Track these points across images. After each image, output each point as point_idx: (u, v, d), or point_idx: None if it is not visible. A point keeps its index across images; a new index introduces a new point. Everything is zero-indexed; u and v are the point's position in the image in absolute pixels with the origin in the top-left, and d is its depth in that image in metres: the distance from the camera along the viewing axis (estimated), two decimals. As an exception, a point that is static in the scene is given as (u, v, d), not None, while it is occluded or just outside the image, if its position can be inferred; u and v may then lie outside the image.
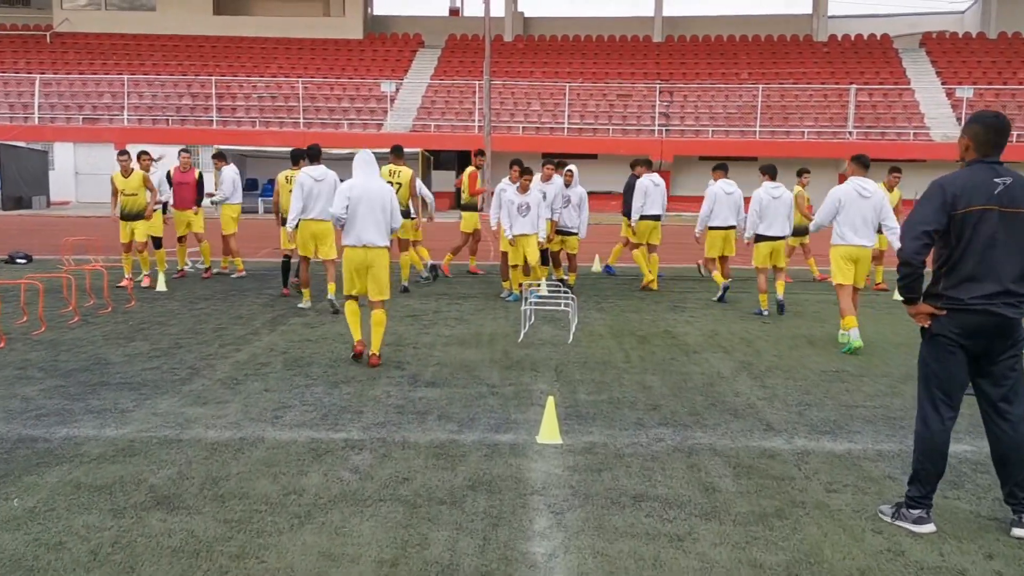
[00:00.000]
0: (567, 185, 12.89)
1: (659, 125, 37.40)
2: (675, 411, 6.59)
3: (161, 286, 12.66)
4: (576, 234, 12.95)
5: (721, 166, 12.96)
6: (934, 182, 4.45)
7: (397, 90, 39.82)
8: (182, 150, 14.67)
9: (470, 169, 15.00)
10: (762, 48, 43.14)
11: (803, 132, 36.28)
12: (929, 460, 4.43)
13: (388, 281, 7.99)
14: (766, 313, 11.09)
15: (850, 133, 35.76)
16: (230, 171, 14.55)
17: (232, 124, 37.73)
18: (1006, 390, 4.38)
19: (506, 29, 45.94)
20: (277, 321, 10.21)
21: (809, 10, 46.25)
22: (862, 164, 9.04)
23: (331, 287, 10.70)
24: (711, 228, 12.46)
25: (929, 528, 4.40)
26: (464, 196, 15.13)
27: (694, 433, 6.05)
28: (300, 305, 11.20)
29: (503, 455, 5.53)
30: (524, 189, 11.78)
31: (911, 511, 4.45)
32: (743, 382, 7.51)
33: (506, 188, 12.05)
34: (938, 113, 36.57)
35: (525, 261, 11.90)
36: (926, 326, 4.48)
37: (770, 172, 11.56)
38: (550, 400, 5.91)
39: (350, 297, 8.05)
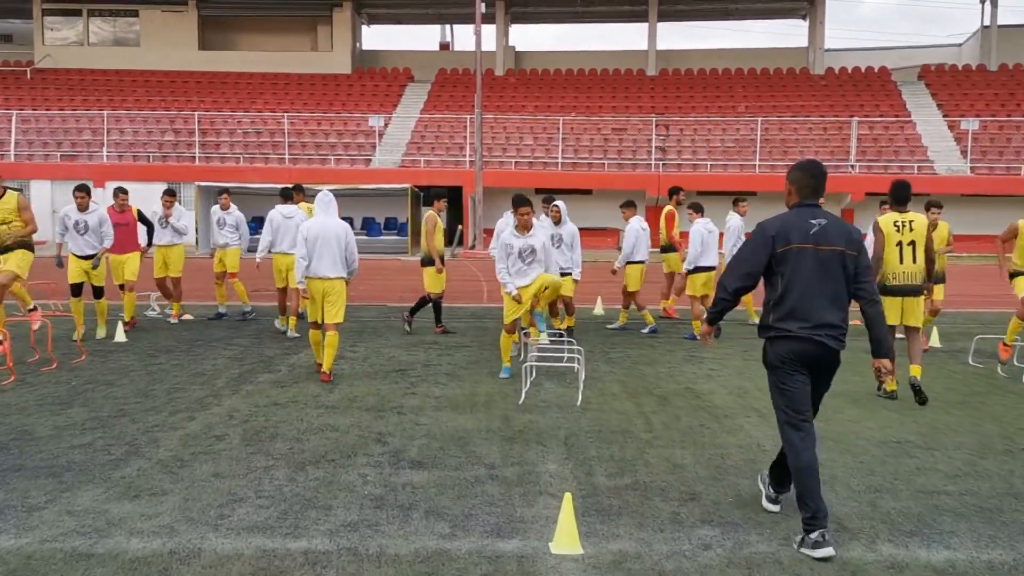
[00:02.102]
0: (556, 223, 11.59)
1: (656, 159, 36.42)
2: (718, 501, 5.34)
3: (120, 336, 11.39)
4: (569, 274, 11.49)
5: (697, 206, 12.63)
6: (758, 224, 4.91)
7: (386, 125, 38.79)
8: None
9: (668, 208, 13.80)
10: (758, 81, 42.35)
11: (803, 166, 35.28)
12: (810, 478, 4.69)
13: (343, 308, 8.88)
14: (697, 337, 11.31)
15: (852, 167, 34.81)
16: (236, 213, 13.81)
17: (215, 160, 36.57)
18: (814, 409, 5.00)
19: (497, 63, 45.14)
20: (243, 379, 8.94)
21: (805, 43, 45.61)
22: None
23: (292, 321, 11.86)
24: (698, 269, 12.15)
25: (828, 551, 4.49)
26: (662, 238, 13.97)
27: (748, 536, 4.79)
28: (279, 327, 12.18)
29: (509, 572, 4.27)
30: (526, 227, 9.14)
31: (809, 536, 4.57)
32: (792, 458, 6.26)
33: (504, 228, 10.02)
34: (942, 146, 35.68)
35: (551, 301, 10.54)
36: (707, 343, 5.31)
37: (700, 209, 12.41)
38: (567, 499, 4.64)
39: (313, 325, 9.04)
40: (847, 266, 4.77)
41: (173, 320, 13.15)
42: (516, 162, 36.70)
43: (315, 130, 38.49)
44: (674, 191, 13.88)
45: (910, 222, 8.20)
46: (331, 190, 10.04)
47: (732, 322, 13.44)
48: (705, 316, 5.18)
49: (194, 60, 44.36)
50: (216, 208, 13.74)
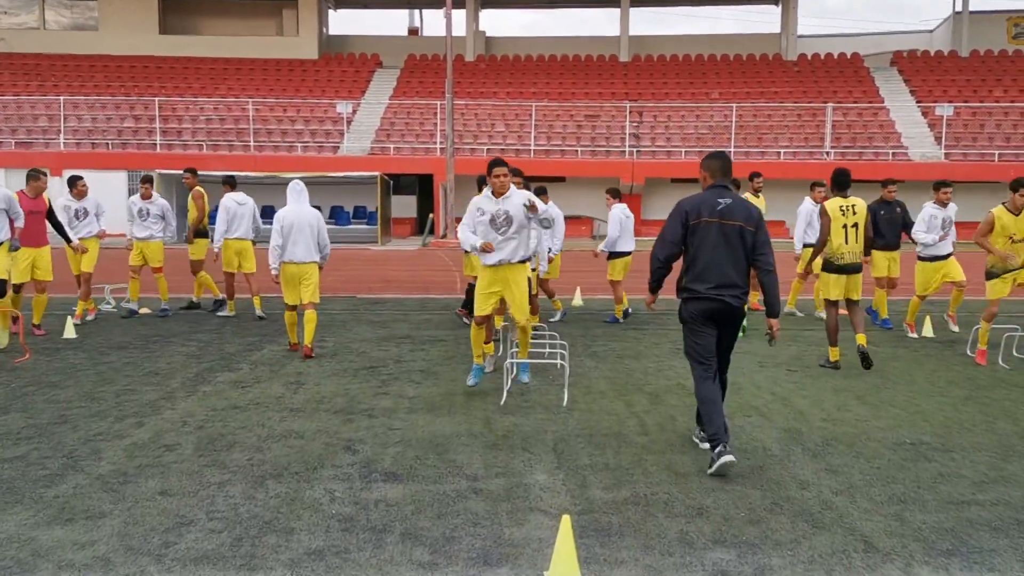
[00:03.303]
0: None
1: (629, 146, 35.91)
2: (728, 516, 4.77)
3: (69, 332, 10.62)
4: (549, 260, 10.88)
5: (614, 191, 12.32)
6: (677, 202, 5.86)
7: (354, 111, 37.90)
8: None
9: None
10: (732, 67, 41.97)
11: (779, 152, 34.99)
12: (712, 408, 5.64)
13: (318, 289, 9.43)
14: (621, 320, 11.98)
15: (827, 153, 34.53)
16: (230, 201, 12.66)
17: (177, 147, 35.51)
18: (725, 361, 6.00)
19: (467, 49, 44.34)
20: (201, 379, 8.25)
21: (777, 29, 45.31)
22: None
23: (256, 301, 12.21)
24: (616, 254, 12.06)
25: (729, 458, 5.38)
26: None
27: (768, 559, 4.23)
28: (221, 313, 12.39)
29: (500, 612, 3.67)
30: (502, 191, 7.57)
31: (713, 451, 5.48)
32: (802, 464, 5.72)
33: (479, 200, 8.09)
34: (915, 132, 35.52)
35: (501, 306, 8.19)
36: (647, 306, 6.27)
37: (617, 195, 12.30)
38: (565, 522, 4.05)
39: (289, 308, 9.46)
40: (746, 239, 5.71)
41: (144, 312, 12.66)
42: (488, 149, 36.02)
43: (281, 117, 37.54)
44: (755, 175, 12.93)
45: (852, 206, 8.82)
46: (300, 178, 10.00)
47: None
48: (650, 287, 6.13)
49: (155, 44, 43.14)
50: (136, 198, 12.56)
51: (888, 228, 11.42)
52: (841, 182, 8.88)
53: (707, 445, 5.77)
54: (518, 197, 7.56)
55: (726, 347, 5.92)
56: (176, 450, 5.92)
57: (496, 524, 4.64)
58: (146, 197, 12.52)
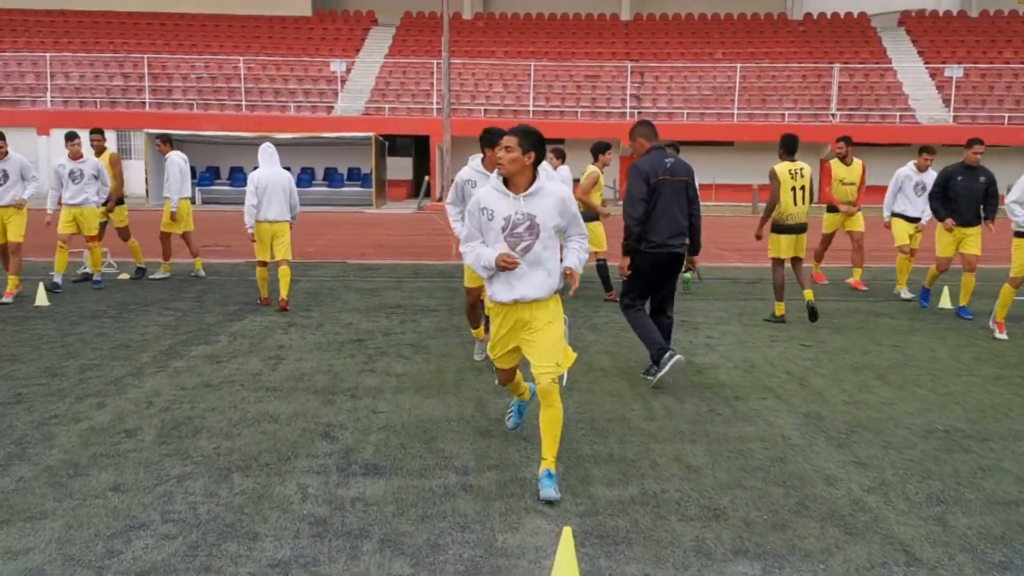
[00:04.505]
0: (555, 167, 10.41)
1: (630, 107, 35.07)
2: (749, 520, 4.24)
3: (41, 299, 10.05)
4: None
5: (559, 152, 10.95)
6: (633, 165, 6.58)
7: (348, 70, 36.96)
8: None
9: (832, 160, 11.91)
10: (736, 27, 40.93)
11: (783, 114, 34.18)
12: (651, 328, 6.71)
13: (290, 245, 9.91)
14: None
15: (833, 115, 33.73)
16: (177, 157, 12.16)
17: (167, 106, 34.64)
18: (668, 300, 7.04)
19: (465, 6, 43.25)
20: (174, 353, 7.69)
21: (782, -13, 44.20)
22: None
23: (197, 262, 12.46)
24: None
25: (678, 359, 6.45)
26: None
27: (798, 573, 3.70)
28: (155, 276, 12.13)
29: (490, 643, 3.14)
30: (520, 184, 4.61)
31: (658, 363, 6.53)
32: (827, 455, 5.18)
33: (474, 178, 6.80)
34: (923, 94, 34.67)
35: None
36: (622, 274, 6.85)
37: (562, 156, 11.05)
38: (566, 535, 3.51)
39: (260, 263, 9.93)
40: (689, 192, 6.71)
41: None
42: (485, 110, 35.21)
43: (273, 75, 36.61)
44: (840, 139, 11.84)
45: (800, 169, 9.18)
46: (293, 138, 10.36)
47: (723, 280, 12.47)
48: (625, 251, 6.74)
49: (145, 0, 41.97)
50: (65, 160, 10.98)
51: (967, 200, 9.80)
52: (789, 146, 9.23)
53: (651, 377, 6.60)
54: (552, 194, 4.61)
55: (671, 289, 6.99)
56: (136, 436, 5.38)
57: (488, 529, 4.11)
58: (76, 157, 10.94)
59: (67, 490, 4.51)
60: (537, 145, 4.50)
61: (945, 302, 10.56)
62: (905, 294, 11.18)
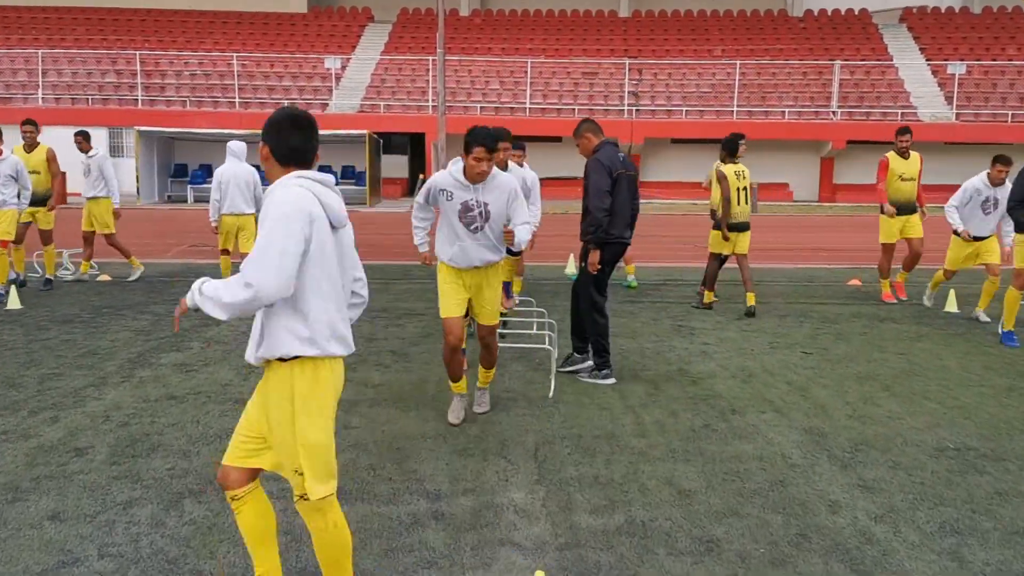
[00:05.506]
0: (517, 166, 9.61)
1: (628, 105, 34.66)
2: (745, 554, 3.86)
3: (13, 302, 9.66)
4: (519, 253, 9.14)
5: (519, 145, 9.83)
6: (594, 159, 6.70)
7: (343, 67, 36.56)
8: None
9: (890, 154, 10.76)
10: (735, 23, 40.52)
11: (783, 112, 33.77)
12: (606, 338, 6.80)
13: (255, 237, 8.27)
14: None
15: (834, 113, 33.33)
16: (106, 155, 11.92)
17: (160, 104, 34.24)
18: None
19: (461, 3, 42.82)
20: (142, 360, 7.31)
21: (782, -16, 43.80)
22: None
23: (84, 266, 11.94)
24: None
25: (612, 380, 6.70)
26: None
27: (799, 621, 3.31)
28: (133, 278, 11.84)
29: None
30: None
31: (602, 371, 6.77)
32: (830, 477, 4.79)
33: (451, 189, 5.45)
34: (925, 91, 34.27)
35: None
36: (593, 270, 6.73)
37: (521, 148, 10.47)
38: (539, 581, 3.13)
39: (223, 252, 10.51)
40: (634, 185, 6.85)
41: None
42: (481, 107, 34.80)
43: (268, 72, 36.20)
44: (903, 131, 10.69)
45: (743, 171, 9.75)
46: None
47: (722, 282, 12.07)
48: (594, 245, 6.67)
49: (138, -4, 41.57)
50: None
51: None
52: (732, 148, 9.69)
53: (593, 379, 6.76)
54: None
55: (609, 275, 7.04)
56: (86, 455, 4.99)
57: (456, 565, 3.72)
58: None
59: (2, 518, 4.13)
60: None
61: (952, 306, 10.17)
62: (983, 317, 9.58)
